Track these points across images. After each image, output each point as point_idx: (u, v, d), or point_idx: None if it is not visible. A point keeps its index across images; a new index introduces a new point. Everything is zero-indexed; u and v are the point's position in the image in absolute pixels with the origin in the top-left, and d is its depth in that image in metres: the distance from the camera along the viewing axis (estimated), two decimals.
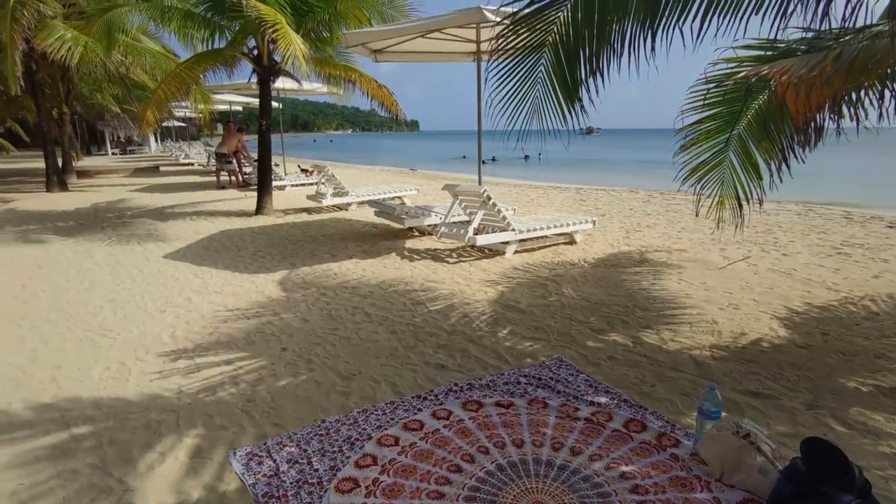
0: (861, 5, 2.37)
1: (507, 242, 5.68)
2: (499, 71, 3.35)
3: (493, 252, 5.86)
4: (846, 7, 2.44)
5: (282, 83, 10.18)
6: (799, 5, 2.67)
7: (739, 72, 3.77)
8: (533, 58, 3.28)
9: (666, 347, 3.39)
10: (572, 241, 6.24)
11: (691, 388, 2.83)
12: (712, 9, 2.75)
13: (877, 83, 3.29)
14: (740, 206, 4.52)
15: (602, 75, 3.15)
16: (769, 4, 2.72)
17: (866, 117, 3.52)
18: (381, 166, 25.59)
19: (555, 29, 3.15)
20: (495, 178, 17.11)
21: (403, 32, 5.45)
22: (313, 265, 5.52)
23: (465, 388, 2.85)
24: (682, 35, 2.81)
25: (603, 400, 2.67)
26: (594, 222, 6.27)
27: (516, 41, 3.21)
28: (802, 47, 3.79)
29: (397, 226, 6.87)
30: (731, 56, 4.13)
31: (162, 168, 19.38)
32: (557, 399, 2.67)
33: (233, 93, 15.21)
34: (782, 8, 2.69)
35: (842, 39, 3.38)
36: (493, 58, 3.23)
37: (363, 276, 5.09)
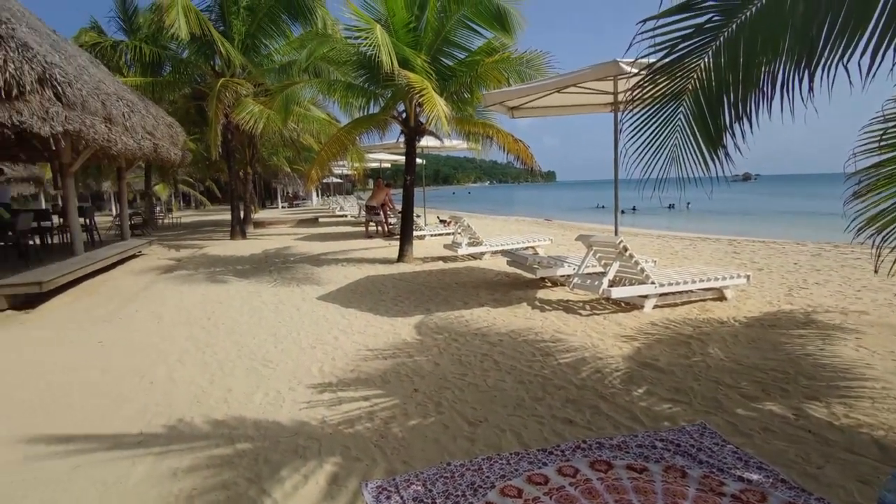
0: None
1: (645, 296, 5.39)
2: (635, 120, 3.33)
3: (630, 306, 5.58)
4: None
5: (425, 141, 11.01)
6: None
7: None
8: (671, 106, 3.20)
9: (838, 424, 2.91)
10: (722, 298, 5.71)
11: (872, 475, 2.39)
12: (885, 42, 2.48)
13: None
14: None
15: (750, 120, 2.96)
16: None
17: None
18: (516, 217, 25.94)
19: (695, 76, 3.07)
20: (635, 229, 16.37)
21: (541, 90, 5.66)
22: (447, 311, 5.74)
23: (593, 446, 2.72)
24: (848, 73, 2.55)
25: (755, 477, 2.37)
26: (748, 277, 5.69)
27: (654, 90, 3.18)
28: None
29: (529, 275, 6.89)
30: None
31: (320, 219, 21.72)
32: (699, 470, 2.43)
33: (383, 152, 16.72)
34: None
35: None
36: (629, 108, 3.22)
37: (493, 324, 5.17)
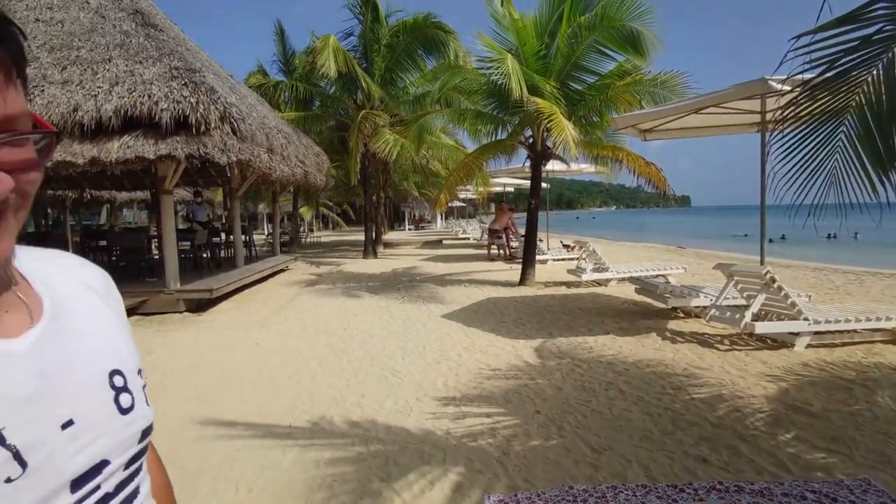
0: None
1: (796, 333, 4.86)
2: (787, 141, 3.11)
3: (777, 343, 5.07)
4: None
5: (551, 165, 11.01)
6: None
7: None
8: (831, 124, 2.95)
9: None
10: (895, 341, 4.95)
11: None
12: None
13: None
14: None
15: None
16: None
17: None
18: (646, 243, 24.59)
19: (861, 91, 2.81)
20: (785, 260, 14.67)
21: (676, 111, 5.45)
22: (569, 336, 5.67)
23: (731, 488, 2.54)
24: None
25: None
26: None
27: (811, 108, 2.96)
28: None
29: (660, 305, 6.54)
30: None
31: (444, 241, 22.51)
32: None
33: (507, 176, 17.00)
34: None
35: None
36: (779, 127, 3.02)
37: (619, 353, 5.00)
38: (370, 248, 15.87)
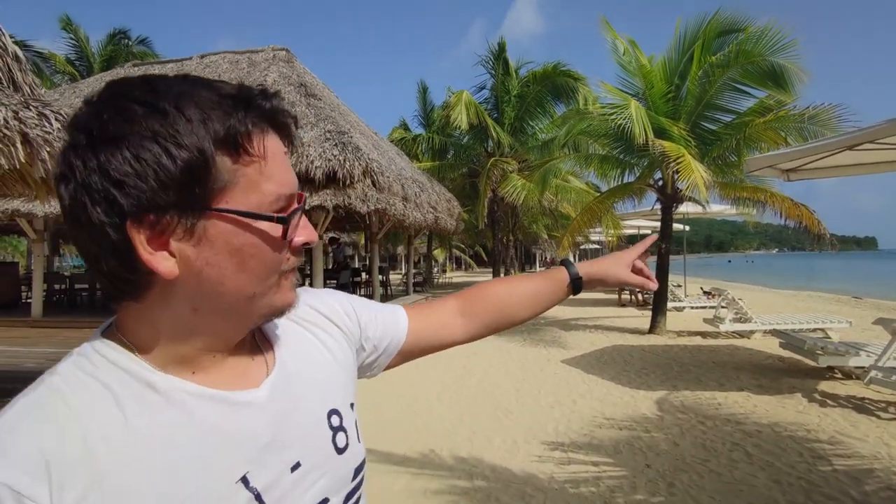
0: None
1: None
2: None
3: None
4: None
5: (686, 207, 10.46)
6: None
7: None
8: None
9: None
10: None
11: None
12: None
13: None
14: None
15: None
16: None
17: None
18: (811, 291, 21.63)
19: None
20: None
21: (817, 151, 5.00)
22: (696, 391, 5.31)
23: None
24: None
25: None
26: None
27: None
28: None
29: (811, 363, 5.83)
30: None
31: None
32: None
33: (639, 218, 16.34)
34: None
35: None
36: None
37: (752, 413, 4.58)
38: None
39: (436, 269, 28.44)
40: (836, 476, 3.31)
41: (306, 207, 0.65)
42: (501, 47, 14.80)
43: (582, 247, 36.95)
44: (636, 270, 0.95)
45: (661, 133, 7.48)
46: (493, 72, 15.09)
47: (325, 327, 0.70)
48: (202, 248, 0.49)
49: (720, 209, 11.14)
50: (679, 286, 13.65)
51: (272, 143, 0.52)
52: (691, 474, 3.39)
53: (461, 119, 12.74)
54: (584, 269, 0.93)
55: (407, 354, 0.83)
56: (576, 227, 9.07)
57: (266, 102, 0.51)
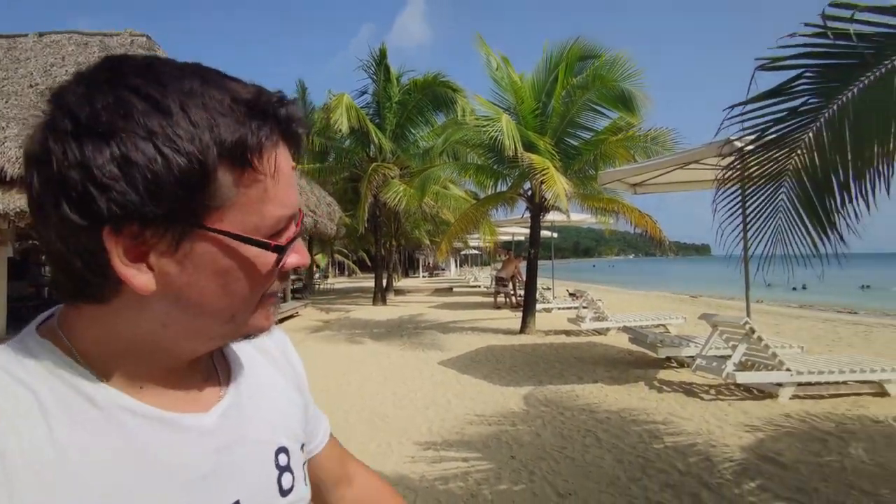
0: None
1: (779, 384, 4.92)
2: (733, 199, 3.36)
3: (763, 394, 5.11)
4: None
5: (553, 216, 11.31)
6: None
7: None
8: (772, 185, 3.19)
9: None
10: (883, 393, 4.97)
11: None
12: None
13: None
14: None
15: (866, 200, 2.86)
16: None
17: None
18: (659, 292, 24.44)
19: (797, 155, 3.06)
20: (798, 310, 14.54)
21: (653, 168, 5.73)
22: (558, 385, 5.77)
23: None
24: None
25: None
26: None
27: (751, 170, 3.21)
28: None
29: (653, 354, 6.62)
30: None
31: (455, 289, 22.72)
32: None
33: (515, 225, 17.33)
34: None
35: None
36: (724, 187, 3.26)
37: (604, 401, 5.09)
38: (379, 294, 16.15)
39: (317, 275, 27.63)
40: (667, 452, 3.79)
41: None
42: (383, 53, 14.89)
43: (462, 252, 38.31)
44: None
45: (529, 146, 8.03)
46: (374, 77, 15.12)
47: (280, 363, 0.65)
48: (185, 267, 0.44)
49: (582, 218, 12.19)
50: (548, 289, 14.71)
51: (282, 159, 0.46)
52: (550, 461, 3.68)
53: (342, 122, 12.59)
54: None
55: (314, 462, 0.73)
56: (454, 232, 9.40)
57: (283, 109, 0.45)
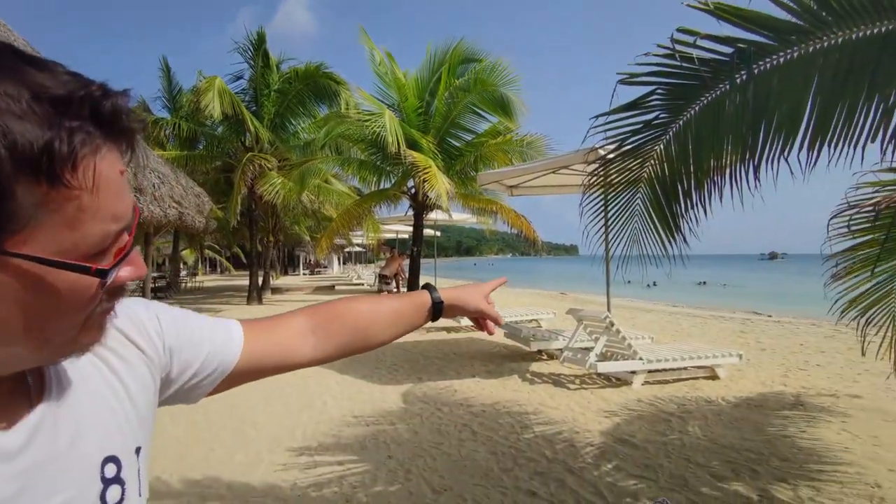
0: None
1: (633, 372, 5.43)
2: (596, 203, 3.61)
3: (621, 381, 5.61)
4: None
5: (436, 214, 11.48)
6: None
7: (875, 198, 3.50)
8: (629, 191, 3.48)
9: None
10: (714, 376, 5.70)
11: None
12: (818, 141, 2.71)
13: None
14: None
15: (704, 207, 3.21)
16: (885, 134, 2.61)
17: None
18: (532, 289, 25.97)
19: (650, 164, 3.36)
20: (650, 304, 16.28)
21: (527, 171, 6.04)
22: (437, 381, 5.84)
23: None
24: (790, 166, 2.76)
25: None
26: (740, 356, 5.69)
27: (614, 177, 3.48)
28: None
29: (526, 348, 6.97)
30: (875, 180, 3.83)
31: (337, 287, 22.17)
32: None
33: (399, 223, 17.35)
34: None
35: None
36: (589, 192, 3.50)
37: (480, 395, 5.24)
38: (255, 293, 15.24)
39: (184, 273, 25.39)
40: (536, 440, 4.00)
41: None
42: (261, 38, 14.02)
43: (346, 249, 37.55)
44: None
45: (412, 144, 8.06)
46: (251, 62, 14.19)
47: (122, 352, 0.56)
48: None
49: (464, 217, 12.53)
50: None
51: (106, 166, 0.38)
52: (426, 458, 3.69)
53: (213, 107, 11.64)
54: (447, 294, 0.89)
55: (239, 377, 0.70)
56: (335, 228, 9.14)
57: (106, 103, 0.37)
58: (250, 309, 14.03)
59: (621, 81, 3.08)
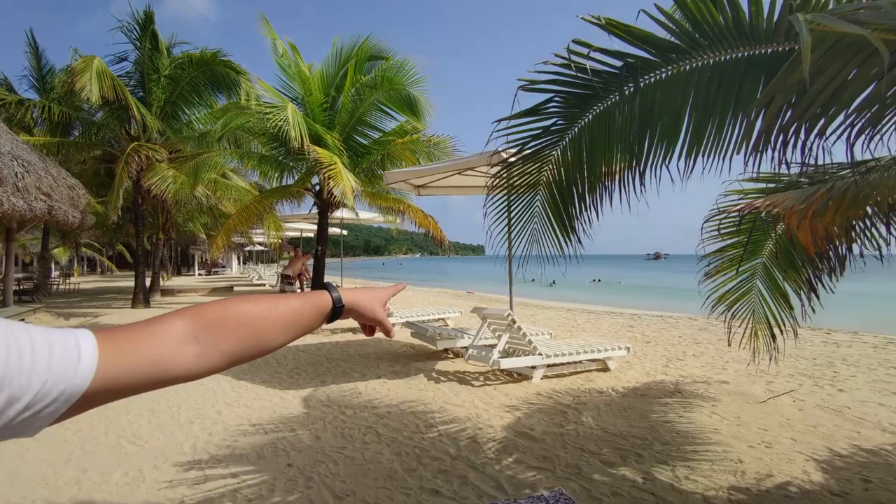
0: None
1: (534, 367, 5.65)
2: (499, 205, 3.71)
3: (522, 376, 5.82)
4: (804, 149, 2.59)
5: (342, 213, 11.22)
6: (770, 148, 2.83)
7: (738, 204, 3.92)
8: (529, 194, 3.61)
9: (679, 486, 3.17)
10: (605, 368, 6.09)
11: None
12: (694, 151, 2.96)
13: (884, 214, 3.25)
14: (773, 336, 4.38)
15: (597, 210, 3.40)
16: (746, 148, 2.89)
17: (887, 245, 3.46)
18: (440, 289, 26.31)
19: (548, 168, 3.50)
20: (549, 302, 17.11)
21: (433, 172, 6.09)
22: (342, 383, 5.70)
23: None
24: (671, 174, 2.99)
25: None
26: (628, 349, 6.14)
27: (516, 180, 3.59)
28: (804, 181, 3.89)
29: (432, 347, 7.02)
30: (740, 188, 4.29)
31: (236, 288, 20.98)
32: None
33: (303, 221, 16.76)
34: (757, 151, 2.86)
35: (841, 173, 3.51)
36: (492, 194, 3.59)
37: (386, 396, 5.19)
38: (141, 295, 13.99)
39: (56, 273, 22.74)
40: (441, 439, 4.02)
41: None
42: (149, 17, 12.88)
43: (246, 248, 35.64)
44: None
45: (317, 140, 7.81)
46: (138, 43, 12.99)
47: None
48: None
49: (371, 216, 12.37)
50: (337, 286, 14.55)
51: None
52: (329, 464, 3.58)
53: (91, 90, 10.48)
54: (346, 297, 0.82)
55: (97, 399, 0.56)
56: (233, 226, 8.61)
57: None
58: (136, 312, 12.86)
59: (522, 88, 3.18)
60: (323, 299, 0.80)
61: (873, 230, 3.52)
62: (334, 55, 8.75)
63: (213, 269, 37.34)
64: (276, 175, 9.32)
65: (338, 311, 0.81)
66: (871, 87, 2.00)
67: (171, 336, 0.64)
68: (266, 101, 7.69)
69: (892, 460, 3.54)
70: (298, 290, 14.00)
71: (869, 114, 2.09)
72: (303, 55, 8.86)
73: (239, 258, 39.38)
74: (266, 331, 0.72)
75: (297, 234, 20.33)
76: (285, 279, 14.71)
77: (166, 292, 17.97)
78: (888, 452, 3.69)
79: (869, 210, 3.32)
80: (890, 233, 3.25)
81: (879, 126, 2.18)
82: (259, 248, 38.24)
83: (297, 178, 9.21)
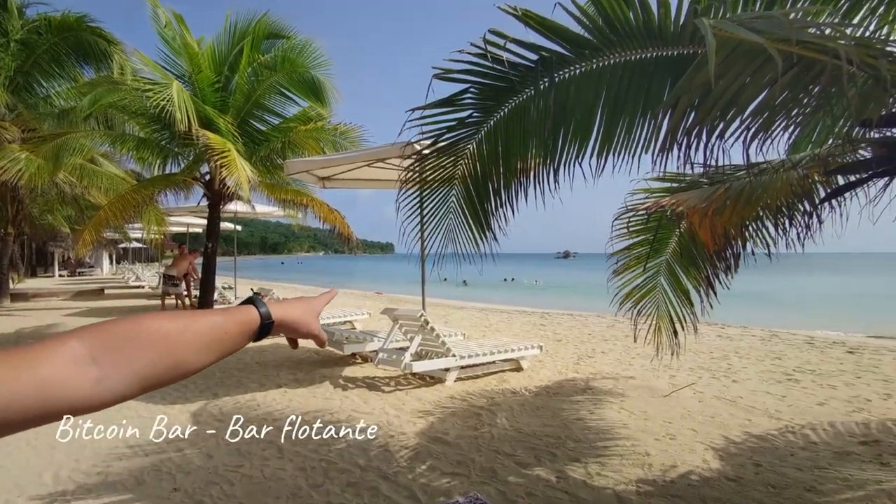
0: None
1: (447, 369, 5.73)
2: (412, 200, 3.72)
3: (435, 380, 5.88)
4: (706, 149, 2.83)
5: (237, 206, 10.67)
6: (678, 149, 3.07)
7: (646, 203, 4.22)
8: (444, 189, 3.65)
9: (591, 483, 3.37)
10: (518, 368, 6.32)
11: None
12: (605, 149, 3.13)
13: (783, 210, 3.62)
14: (675, 331, 4.77)
15: (512, 206, 3.50)
16: (654, 147, 3.11)
17: (775, 245, 3.88)
18: (347, 289, 25.85)
19: (464, 162, 3.56)
20: (461, 302, 17.42)
21: (340, 162, 5.98)
22: (236, 395, 5.43)
23: None
24: (583, 171, 3.15)
25: None
26: (541, 348, 6.41)
27: (430, 174, 3.61)
28: (705, 181, 4.27)
29: (339, 352, 6.88)
30: (647, 187, 4.62)
31: (108, 291, 19.28)
32: None
33: (189, 215, 15.75)
34: (664, 151, 3.08)
35: (738, 174, 3.88)
36: (405, 188, 3.59)
37: (287, 407, 5.02)
38: None
39: None
40: (348, 449, 3.96)
41: None
42: None
43: (121, 245, 32.79)
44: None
45: (208, 124, 7.37)
46: None
47: None
48: None
49: (269, 210, 11.88)
50: (229, 288, 13.85)
51: None
52: (223, 485, 3.39)
53: None
54: (277, 311, 0.76)
55: None
56: (104, 218, 7.87)
57: None
58: None
59: (436, 76, 3.20)
60: (249, 315, 0.73)
61: (764, 231, 3.97)
62: (227, 30, 8.27)
63: (79, 270, 33.99)
64: (157, 162, 8.65)
65: (266, 327, 0.76)
66: (765, 92, 2.23)
67: (62, 357, 0.56)
68: (146, 77, 7.10)
69: (779, 444, 4.00)
70: (184, 292, 13.13)
71: (762, 119, 2.34)
72: (191, 29, 8.31)
73: (111, 256, 36.20)
74: (181, 351, 0.65)
75: (182, 229, 19.00)
76: (169, 280, 13.79)
77: (18, 297, 16.08)
78: (774, 437, 4.16)
79: (760, 211, 3.73)
80: (778, 232, 3.67)
81: (770, 130, 2.45)
82: (136, 244, 35.41)
83: (183, 165, 8.61)
